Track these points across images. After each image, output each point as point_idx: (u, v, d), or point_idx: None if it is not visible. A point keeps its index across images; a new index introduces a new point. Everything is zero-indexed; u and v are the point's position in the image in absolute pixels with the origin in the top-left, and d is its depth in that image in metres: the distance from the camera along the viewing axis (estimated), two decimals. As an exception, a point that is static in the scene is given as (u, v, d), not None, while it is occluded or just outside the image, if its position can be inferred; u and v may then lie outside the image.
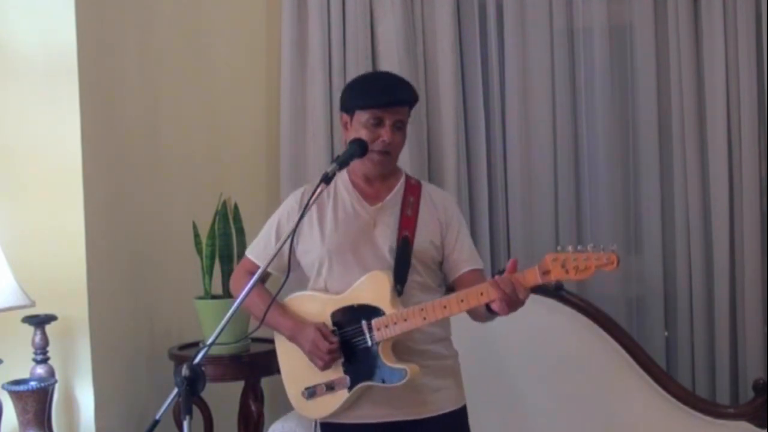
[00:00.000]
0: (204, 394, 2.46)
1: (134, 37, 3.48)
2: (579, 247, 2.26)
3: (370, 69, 3.93)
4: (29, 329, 3.04)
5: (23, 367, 3.04)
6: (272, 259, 2.48)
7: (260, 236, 2.74)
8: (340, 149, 3.75)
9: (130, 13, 3.45)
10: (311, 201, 2.37)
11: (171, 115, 3.66)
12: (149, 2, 3.56)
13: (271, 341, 3.52)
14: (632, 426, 3.41)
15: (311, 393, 2.60)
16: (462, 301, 2.41)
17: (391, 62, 3.91)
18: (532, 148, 3.97)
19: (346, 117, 2.62)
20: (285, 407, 3.72)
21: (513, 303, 2.34)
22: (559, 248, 2.29)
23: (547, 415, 3.37)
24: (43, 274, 3.11)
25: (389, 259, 2.55)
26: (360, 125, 2.55)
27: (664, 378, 3.56)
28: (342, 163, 2.47)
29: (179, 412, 2.07)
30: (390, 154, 2.58)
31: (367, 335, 2.51)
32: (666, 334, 3.91)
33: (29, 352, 3.04)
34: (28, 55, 3.16)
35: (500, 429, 3.32)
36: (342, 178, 2.66)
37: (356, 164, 2.60)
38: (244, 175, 3.99)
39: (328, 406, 2.58)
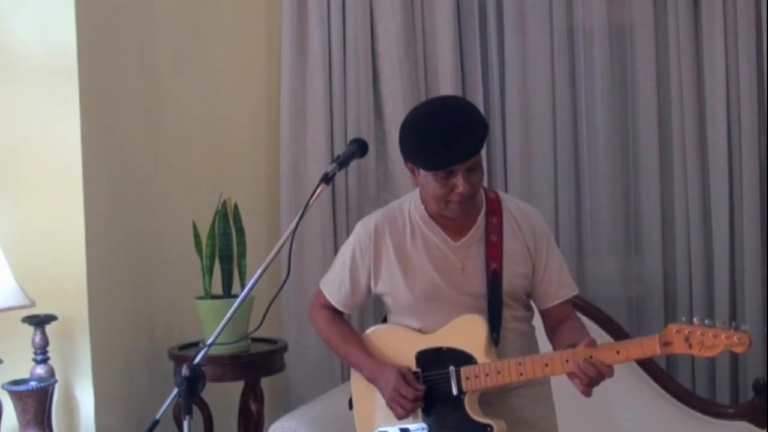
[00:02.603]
0: (204, 394, 2.46)
1: (134, 37, 3.48)
2: (706, 321, 2.10)
3: (370, 69, 3.94)
4: (29, 329, 3.04)
5: (23, 367, 3.04)
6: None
7: (334, 270, 2.56)
8: (340, 149, 3.77)
9: (130, 13, 3.45)
10: (310, 201, 2.32)
11: (171, 114, 3.66)
12: (149, 2, 3.56)
13: (272, 341, 3.55)
14: (632, 426, 3.41)
15: None
16: (567, 361, 2.23)
17: (391, 62, 3.92)
18: (532, 148, 3.97)
19: (410, 165, 2.37)
20: (285, 407, 3.74)
21: (593, 381, 2.19)
22: (683, 319, 2.14)
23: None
24: (43, 274, 3.11)
25: (482, 302, 2.37)
26: (429, 178, 2.31)
27: (664, 378, 3.56)
28: (342, 163, 2.39)
29: (179, 412, 2.07)
30: (469, 199, 2.34)
31: (453, 383, 2.32)
32: (666, 334, 3.91)
33: (29, 352, 3.04)
34: (28, 55, 3.16)
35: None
36: (417, 208, 2.44)
37: (433, 206, 2.38)
38: (244, 175, 3.99)
39: None
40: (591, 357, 2.20)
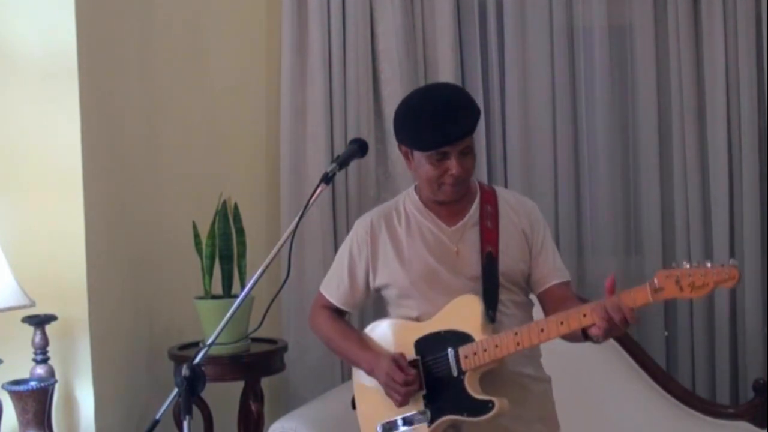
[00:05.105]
0: (204, 394, 2.46)
1: (134, 37, 3.48)
2: (694, 263, 2.07)
3: (370, 69, 3.94)
4: (29, 329, 3.04)
5: (23, 367, 3.04)
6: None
7: (332, 271, 2.58)
8: (340, 149, 3.77)
9: (130, 14, 3.46)
10: (310, 201, 2.32)
11: (171, 115, 3.66)
12: (149, 3, 3.56)
13: (272, 341, 3.55)
14: (632, 426, 3.40)
15: (387, 429, 2.39)
16: (562, 323, 2.19)
17: (391, 62, 3.92)
18: (532, 148, 3.97)
19: (405, 148, 2.41)
20: (285, 407, 3.74)
21: (616, 329, 2.14)
22: (674, 264, 2.10)
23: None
24: (43, 274, 3.11)
25: (478, 284, 2.37)
26: (423, 161, 2.35)
27: (664, 378, 3.56)
28: (342, 163, 2.40)
29: (179, 412, 2.07)
30: (462, 183, 2.38)
31: (453, 364, 2.30)
32: (666, 334, 3.91)
33: (29, 352, 3.04)
34: (28, 55, 3.15)
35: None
36: (411, 198, 2.49)
37: (427, 192, 2.42)
38: (244, 175, 3.99)
39: None
40: (585, 316, 2.16)
